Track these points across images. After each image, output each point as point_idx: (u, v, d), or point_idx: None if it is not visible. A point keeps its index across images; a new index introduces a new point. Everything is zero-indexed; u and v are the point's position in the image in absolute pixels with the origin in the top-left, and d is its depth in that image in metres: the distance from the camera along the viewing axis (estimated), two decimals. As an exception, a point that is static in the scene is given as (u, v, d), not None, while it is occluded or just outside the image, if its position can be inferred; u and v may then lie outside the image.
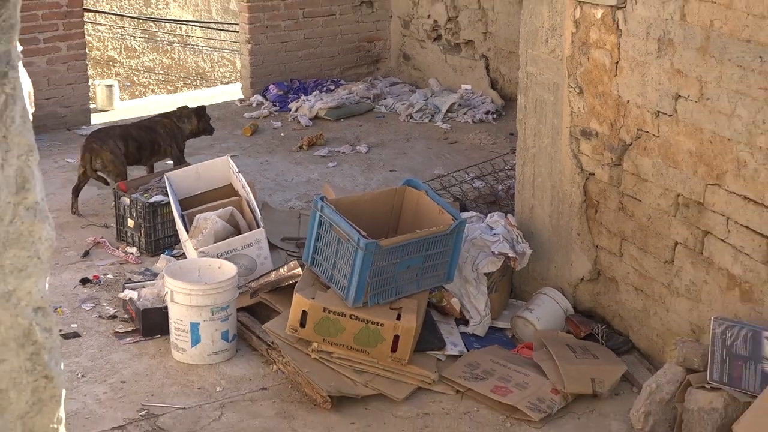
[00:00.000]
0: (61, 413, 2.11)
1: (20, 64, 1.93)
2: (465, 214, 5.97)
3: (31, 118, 1.96)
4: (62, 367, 2.11)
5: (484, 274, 5.66)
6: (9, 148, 1.89)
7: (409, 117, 9.86)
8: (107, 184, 7.51)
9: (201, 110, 7.97)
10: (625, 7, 5.25)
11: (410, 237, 5.31)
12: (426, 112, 9.90)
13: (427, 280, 5.45)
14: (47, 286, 2.07)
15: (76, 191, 7.54)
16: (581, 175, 5.72)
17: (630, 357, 5.43)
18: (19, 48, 1.93)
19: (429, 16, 10.56)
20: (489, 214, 6.13)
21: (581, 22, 5.56)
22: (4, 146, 1.88)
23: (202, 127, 7.90)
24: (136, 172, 7.74)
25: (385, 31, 11.06)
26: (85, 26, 9.86)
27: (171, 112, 7.97)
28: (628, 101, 5.33)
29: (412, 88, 10.62)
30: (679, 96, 4.98)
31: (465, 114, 9.80)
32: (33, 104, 2.00)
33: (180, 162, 7.66)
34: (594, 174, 5.64)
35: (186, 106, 8.02)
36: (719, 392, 4.52)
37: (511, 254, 5.74)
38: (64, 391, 2.11)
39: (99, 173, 7.46)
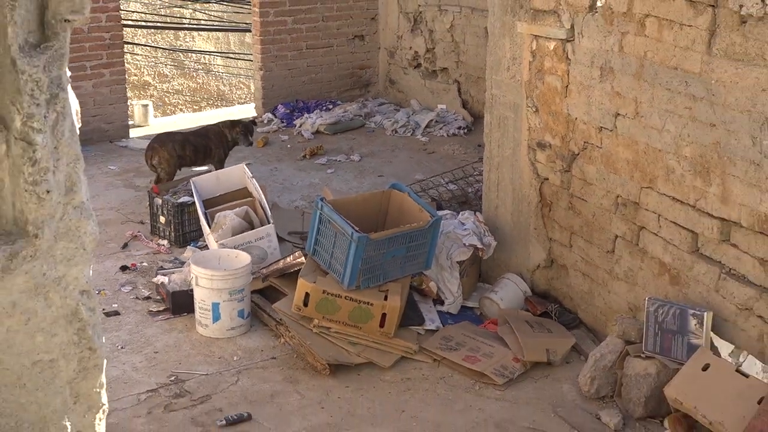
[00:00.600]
0: (103, 379, 2.09)
1: (69, 87, 1.91)
2: (441, 212, 5.96)
3: (78, 132, 1.94)
4: (104, 340, 2.10)
5: (457, 262, 5.65)
6: (59, 157, 1.88)
7: (394, 131, 9.84)
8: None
9: (234, 123, 7.93)
10: (573, 40, 5.25)
11: (395, 231, 5.30)
12: (408, 128, 9.87)
13: (409, 267, 5.44)
14: (91, 272, 2.06)
15: (158, 181, 7.54)
16: (537, 179, 5.72)
17: (578, 331, 5.42)
18: (68, 73, 1.91)
19: (411, 48, 10.54)
20: (461, 212, 6.11)
21: (537, 53, 5.55)
22: (56, 155, 1.86)
23: (233, 137, 7.87)
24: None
25: (374, 60, 11.03)
26: (124, 56, 9.81)
27: (221, 121, 8.02)
28: (576, 118, 5.32)
29: (397, 108, 10.59)
30: (618, 114, 4.98)
31: (441, 129, 9.78)
32: (80, 120, 1.98)
33: (221, 164, 7.71)
34: (548, 179, 5.64)
35: (236, 120, 8.12)
36: (653, 360, 4.53)
37: (479, 245, 5.73)
38: (105, 361, 2.09)
39: (155, 168, 7.54)
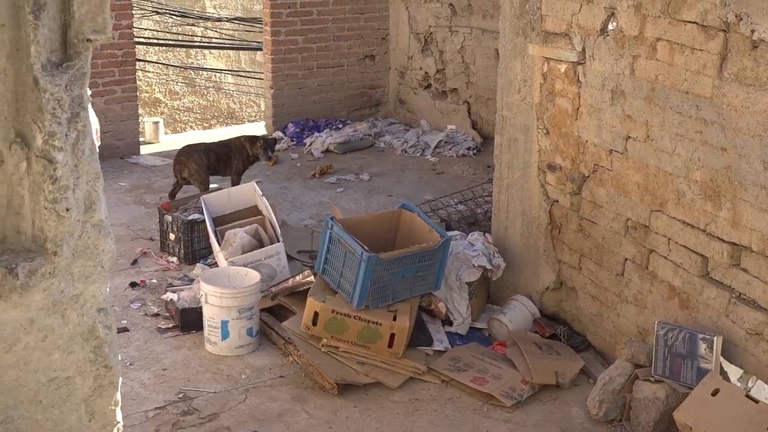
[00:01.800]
0: (118, 397, 2.10)
1: (89, 106, 1.93)
2: (450, 233, 5.96)
3: (97, 150, 1.96)
4: (119, 358, 2.10)
5: (466, 282, 5.64)
6: (79, 175, 1.89)
7: (403, 151, 9.86)
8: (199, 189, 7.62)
9: (255, 138, 8.02)
10: (584, 63, 5.26)
11: (405, 251, 5.31)
12: (418, 148, 9.89)
13: (418, 287, 5.44)
14: (108, 290, 2.07)
15: (172, 195, 7.69)
16: (547, 201, 5.72)
17: (587, 354, 5.41)
18: (89, 92, 1.93)
19: (421, 68, 10.58)
20: (470, 233, 6.12)
21: (548, 75, 5.57)
22: (76, 173, 1.88)
23: (253, 152, 7.94)
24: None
25: (385, 80, 11.07)
26: (136, 73, 9.86)
27: (242, 135, 8.14)
28: (586, 141, 5.33)
29: (407, 128, 10.61)
30: (629, 137, 4.99)
31: (450, 149, 9.79)
32: (99, 139, 2.00)
33: (239, 177, 7.82)
34: (558, 201, 5.64)
35: (257, 135, 8.29)
36: (662, 384, 4.52)
37: (489, 266, 5.73)
38: (120, 379, 2.10)
39: (187, 181, 7.63)
